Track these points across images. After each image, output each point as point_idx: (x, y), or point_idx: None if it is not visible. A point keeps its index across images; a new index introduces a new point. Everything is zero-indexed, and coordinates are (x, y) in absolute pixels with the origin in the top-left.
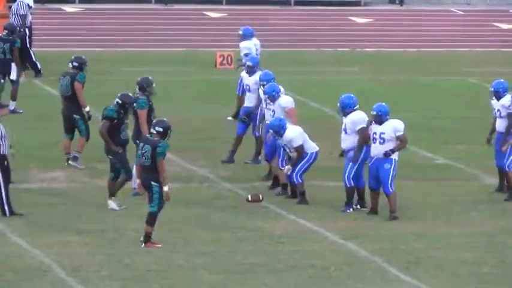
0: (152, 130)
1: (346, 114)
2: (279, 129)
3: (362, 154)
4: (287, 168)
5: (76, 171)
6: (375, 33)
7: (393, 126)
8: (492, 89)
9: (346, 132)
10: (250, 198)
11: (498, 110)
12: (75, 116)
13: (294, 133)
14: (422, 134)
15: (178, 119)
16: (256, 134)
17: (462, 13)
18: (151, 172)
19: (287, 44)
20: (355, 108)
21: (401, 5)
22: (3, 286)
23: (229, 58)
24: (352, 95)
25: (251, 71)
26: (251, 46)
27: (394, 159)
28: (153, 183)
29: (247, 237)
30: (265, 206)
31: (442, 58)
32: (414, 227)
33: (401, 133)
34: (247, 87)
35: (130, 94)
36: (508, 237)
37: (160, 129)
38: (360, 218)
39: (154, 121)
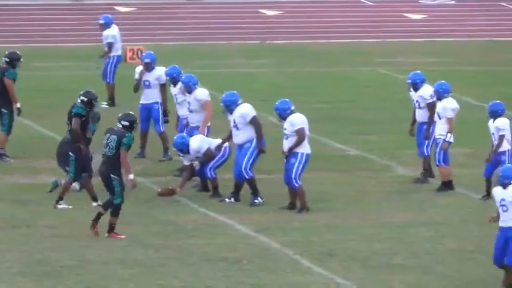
0: (118, 124)
1: (231, 111)
2: (182, 147)
3: (264, 144)
4: (195, 164)
5: None
6: (285, 25)
7: (290, 121)
8: (409, 81)
9: (237, 128)
10: (161, 192)
11: (417, 101)
12: (2, 110)
13: (197, 142)
14: (334, 126)
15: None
16: (160, 129)
17: (372, 4)
18: (112, 163)
19: (196, 38)
20: (239, 103)
21: None
22: None
23: (139, 52)
24: (235, 92)
25: (149, 67)
26: (115, 34)
27: (301, 153)
28: (112, 175)
29: (159, 231)
30: (177, 199)
31: (353, 49)
32: (326, 219)
33: (297, 127)
34: (147, 82)
35: (92, 91)
36: (419, 228)
37: (127, 123)
38: (272, 211)
39: (120, 115)
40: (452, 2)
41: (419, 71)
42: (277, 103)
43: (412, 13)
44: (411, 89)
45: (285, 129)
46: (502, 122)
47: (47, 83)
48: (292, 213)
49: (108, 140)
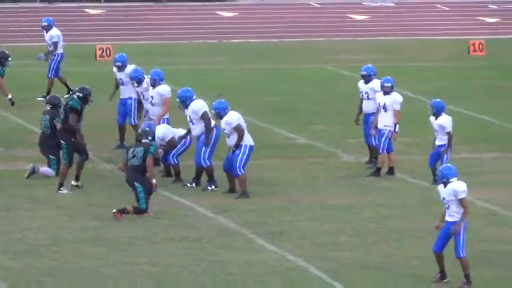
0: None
1: (186, 106)
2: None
3: (213, 137)
4: (160, 151)
5: None
6: (240, 26)
7: (225, 122)
8: (364, 73)
9: (192, 123)
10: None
11: (366, 93)
12: None
13: (162, 131)
14: (284, 117)
15: None
16: (132, 122)
17: (319, 6)
18: (138, 172)
19: (161, 37)
20: (194, 98)
21: (261, 0)
22: None
23: (108, 50)
24: (189, 88)
25: (121, 68)
26: (59, 33)
27: (245, 145)
28: (136, 183)
29: None
30: None
31: (302, 48)
32: (279, 201)
33: (234, 125)
34: (121, 80)
35: (87, 87)
36: (363, 209)
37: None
38: (230, 195)
39: (140, 131)
40: (392, 4)
41: (371, 65)
42: (214, 103)
43: (355, 14)
44: (362, 81)
45: (224, 130)
46: (445, 120)
47: (21, 79)
48: (242, 198)
49: (134, 152)
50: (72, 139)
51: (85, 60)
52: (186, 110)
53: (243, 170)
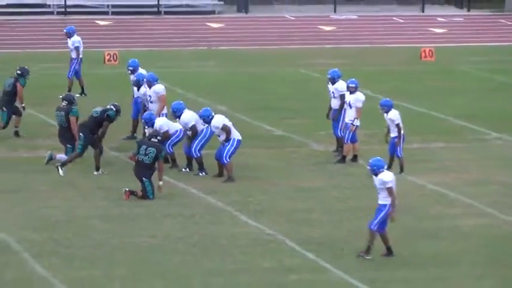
0: (153, 139)
1: (178, 116)
2: (148, 121)
3: (206, 136)
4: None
5: None
6: (227, 35)
7: (213, 126)
8: (329, 76)
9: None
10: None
11: (333, 92)
12: (3, 108)
13: (160, 123)
14: (264, 112)
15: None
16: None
17: (294, 18)
18: (147, 169)
19: (160, 45)
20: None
21: (246, 13)
22: None
23: (114, 56)
24: (181, 102)
25: (133, 72)
26: (79, 40)
27: (233, 139)
28: (144, 179)
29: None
30: None
31: (279, 54)
32: (260, 184)
33: (221, 126)
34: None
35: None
36: (331, 191)
37: (160, 138)
38: (218, 178)
39: (151, 132)
40: (355, 17)
41: (336, 69)
42: (201, 111)
43: (324, 25)
44: (329, 82)
45: (215, 132)
46: (393, 114)
47: (42, 80)
48: (228, 182)
49: (147, 151)
50: (91, 134)
51: (95, 64)
52: (178, 120)
53: (229, 159)
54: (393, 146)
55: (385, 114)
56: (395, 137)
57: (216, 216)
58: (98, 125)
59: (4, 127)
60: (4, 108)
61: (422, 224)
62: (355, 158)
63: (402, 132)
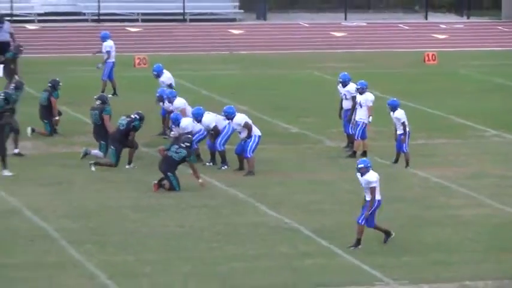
0: (182, 144)
1: (199, 121)
2: (175, 121)
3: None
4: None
5: (38, 143)
6: (247, 41)
7: (236, 123)
8: (340, 79)
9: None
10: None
11: (344, 94)
12: (45, 120)
13: (186, 123)
14: (282, 112)
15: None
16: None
17: (308, 25)
18: (173, 166)
19: (185, 49)
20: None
21: (264, 20)
22: None
23: (144, 60)
24: (200, 107)
25: (158, 76)
26: (112, 45)
27: (255, 135)
28: (169, 173)
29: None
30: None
31: (295, 58)
32: (278, 177)
33: (243, 123)
34: (162, 83)
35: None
36: (342, 184)
37: (188, 144)
38: (239, 172)
39: (183, 138)
40: (364, 24)
41: (346, 73)
42: (225, 108)
43: (336, 32)
44: (340, 85)
45: (236, 129)
46: (400, 113)
47: (77, 81)
48: (249, 175)
49: (178, 150)
50: (121, 145)
51: (126, 67)
52: (199, 123)
53: (252, 153)
54: (399, 142)
55: (391, 113)
56: (401, 134)
57: (238, 206)
58: (125, 135)
59: (50, 134)
60: (46, 120)
61: (426, 214)
62: (364, 153)
63: (407, 129)
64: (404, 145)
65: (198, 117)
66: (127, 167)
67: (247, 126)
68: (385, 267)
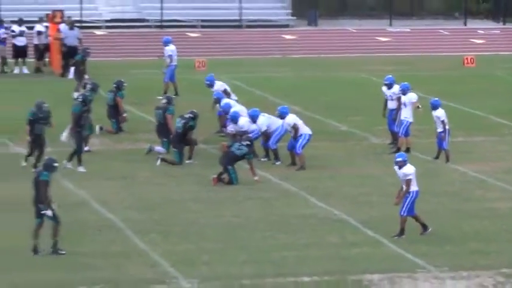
0: (243, 142)
1: (254, 121)
2: (233, 118)
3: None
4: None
5: (105, 140)
6: (299, 45)
7: (286, 123)
8: (386, 82)
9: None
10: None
11: (390, 96)
12: (112, 119)
13: (243, 122)
14: (332, 111)
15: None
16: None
17: (355, 31)
18: (233, 160)
19: (241, 53)
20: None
21: (315, 26)
22: (59, 213)
23: (203, 63)
24: (256, 109)
25: (210, 86)
26: (173, 49)
27: (304, 134)
28: (229, 167)
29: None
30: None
31: (343, 61)
32: (327, 172)
33: (292, 124)
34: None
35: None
36: (387, 178)
37: (249, 142)
38: (291, 167)
39: (244, 137)
40: (408, 30)
41: (391, 76)
42: (280, 107)
43: (381, 37)
44: (386, 87)
45: (287, 129)
46: (440, 112)
47: (141, 83)
48: (301, 170)
49: (239, 147)
50: (182, 144)
51: (187, 70)
52: (254, 124)
53: (302, 149)
54: (440, 140)
55: (432, 112)
56: (441, 132)
57: (290, 199)
58: (184, 135)
59: (116, 132)
60: (113, 119)
61: (466, 206)
62: (407, 150)
63: (447, 127)
64: (444, 142)
65: (254, 119)
66: (187, 162)
67: (295, 128)
68: (427, 255)
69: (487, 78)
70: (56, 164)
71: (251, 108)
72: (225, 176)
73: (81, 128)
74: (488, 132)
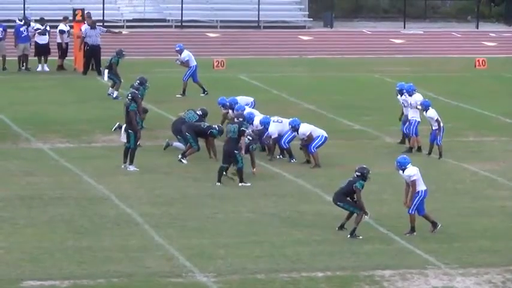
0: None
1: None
2: (249, 119)
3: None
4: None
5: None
6: (315, 46)
7: (301, 133)
8: (398, 89)
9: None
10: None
11: (403, 101)
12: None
13: (258, 121)
14: (345, 110)
15: (193, 99)
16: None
17: (370, 33)
18: (235, 144)
19: (259, 53)
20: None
21: (331, 28)
22: (80, 208)
23: (222, 62)
24: (267, 116)
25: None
26: (187, 54)
27: (322, 135)
28: (235, 151)
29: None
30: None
31: (358, 62)
32: (341, 170)
33: (307, 134)
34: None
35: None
36: (399, 176)
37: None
38: (306, 164)
39: (248, 131)
40: (421, 32)
41: (403, 83)
42: (291, 121)
43: (395, 39)
44: (398, 95)
45: (301, 138)
46: (431, 112)
47: (161, 82)
48: (315, 167)
49: (231, 128)
50: (196, 135)
51: (205, 69)
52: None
53: (315, 149)
54: (434, 136)
55: (424, 113)
56: (435, 129)
57: (305, 195)
58: (201, 133)
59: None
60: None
61: (476, 204)
62: (419, 149)
63: (442, 124)
64: (438, 138)
65: (266, 126)
66: (211, 158)
67: (309, 137)
68: (437, 252)
69: (498, 79)
70: None
71: (263, 116)
72: (232, 170)
73: (135, 125)
74: (498, 132)
